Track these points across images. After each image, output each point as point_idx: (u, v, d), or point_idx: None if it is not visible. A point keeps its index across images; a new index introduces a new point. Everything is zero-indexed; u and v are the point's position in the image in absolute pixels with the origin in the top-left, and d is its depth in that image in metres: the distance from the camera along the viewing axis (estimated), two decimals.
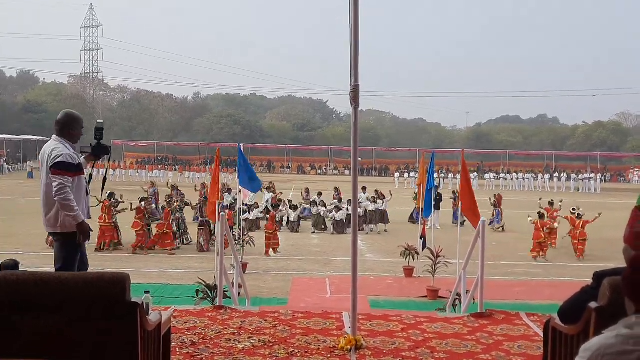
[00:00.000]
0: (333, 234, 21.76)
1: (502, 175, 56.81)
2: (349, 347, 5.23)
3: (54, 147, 5.63)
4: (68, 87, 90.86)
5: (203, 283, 9.98)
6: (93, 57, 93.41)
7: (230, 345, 5.37)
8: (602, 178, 57.77)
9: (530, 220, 18.89)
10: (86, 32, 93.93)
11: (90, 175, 6.11)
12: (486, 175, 54.93)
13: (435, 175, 45.57)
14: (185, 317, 6.24)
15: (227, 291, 8.48)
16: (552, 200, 22.88)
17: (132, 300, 3.19)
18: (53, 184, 5.45)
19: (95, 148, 5.95)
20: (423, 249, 15.03)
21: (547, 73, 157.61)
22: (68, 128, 5.81)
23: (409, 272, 14.48)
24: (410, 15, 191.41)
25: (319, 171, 68.64)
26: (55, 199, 5.45)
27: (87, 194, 5.86)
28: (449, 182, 48.74)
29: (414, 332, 5.90)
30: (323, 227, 22.58)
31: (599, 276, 3.45)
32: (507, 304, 9.81)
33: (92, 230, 5.63)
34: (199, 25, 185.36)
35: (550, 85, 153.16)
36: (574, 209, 20.30)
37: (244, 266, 14.15)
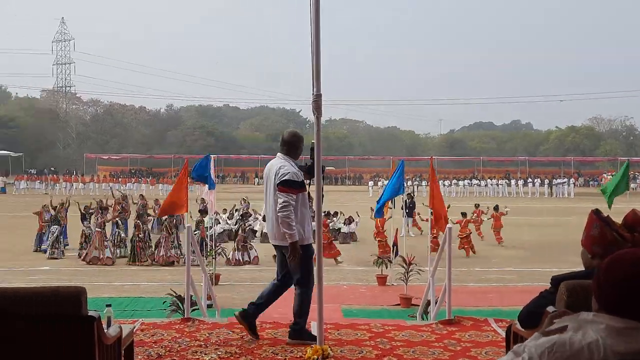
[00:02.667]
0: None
1: (475, 181, 57.14)
2: (315, 356, 5.22)
3: (281, 165, 5.85)
4: (41, 101, 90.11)
5: (174, 294, 9.90)
6: (65, 71, 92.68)
7: (197, 357, 5.34)
8: (579, 182, 58.42)
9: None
10: (58, 46, 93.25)
11: (308, 194, 6.20)
12: (460, 182, 55.25)
13: (409, 182, 45.99)
14: (153, 330, 6.19)
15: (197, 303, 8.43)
16: (497, 205, 23.18)
17: (90, 314, 3.16)
18: (278, 201, 5.69)
19: (310, 167, 6.07)
20: (395, 256, 15.06)
21: (522, 79, 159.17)
22: (293, 147, 6.04)
23: (382, 280, 14.49)
24: (379, 21, 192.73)
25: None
26: (278, 214, 5.68)
27: (310, 208, 6.13)
28: (422, 189, 48.99)
29: (381, 341, 5.90)
30: None
31: (556, 280, 3.49)
32: (478, 310, 9.86)
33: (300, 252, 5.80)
34: (170, 35, 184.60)
35: (524, 91, 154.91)
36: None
37: (217, 277, 14.07)
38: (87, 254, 17.48)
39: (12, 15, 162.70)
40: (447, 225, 7.24)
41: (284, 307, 11.82)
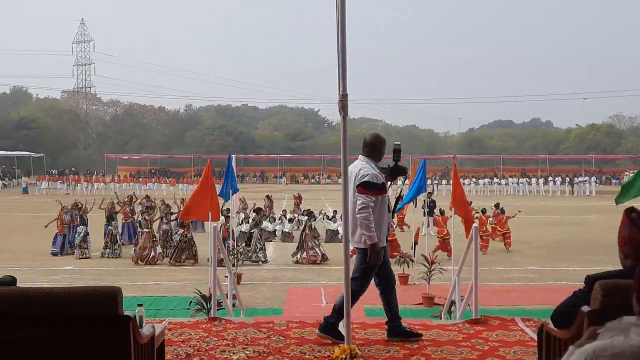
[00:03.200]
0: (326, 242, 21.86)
1: (495, 180, 56.73)
2: (343, 356, 5.21)
3: (361, 167, 5.87)
4: (61, 102, 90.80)
5: (199, 294, 9.97)
6: (85, 72, 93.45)
7: (225, 356, 5.35)
8: (597, 180, 57.80)
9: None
10: (78, 47, 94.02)
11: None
12: (480, 181, 54.89)
13: (429, 182, 45.83)
14: (180, 329, 6.22)
15: (222, 302, 8.46)
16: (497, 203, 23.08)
17: (125, 313, 3.18)
18: (357, 202, 5.70)
19: (393, 169, 6.14)
20: (414, 254, 15.08)
21: (540, 77, 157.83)
22: (375, 149, 6.03)
23: (403, 279, 14.46)
24: (399, 21, 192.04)
25: (312, 180, 68.65)
26: (357, 216, 5.70)
27: (389, 211, 6.13)
28: (442, 187, 48.81)
29: (408, 340, 5.89)
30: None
31: (591, 280, 3.46)
32: (503, 309, 9.81)
33: (379, 253, 5.76)
34: (187, 37, 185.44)
35: (543, 89, 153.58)
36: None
37: (239, 277, 14.13)
38: (136, 255, 17.77)
39: (32, 17, 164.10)
40: (474, 225, 7.21)
41: (306, 307, 11.91)
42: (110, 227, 18.95)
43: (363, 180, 5.73)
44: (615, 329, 2.03)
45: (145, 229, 18.11)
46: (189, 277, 15.78)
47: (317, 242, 18.42)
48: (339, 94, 5.34)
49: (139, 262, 17.54)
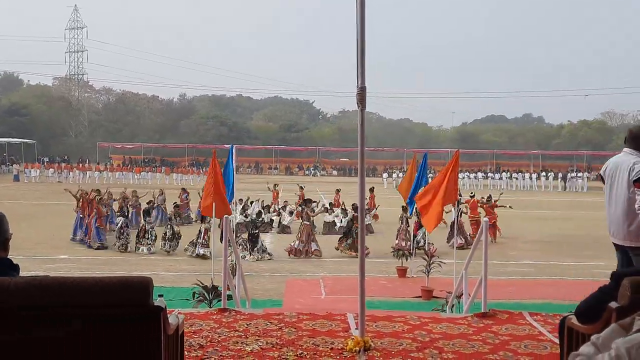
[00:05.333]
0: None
1: (490, 174, 57.03)
2: (357, 348, 5.23)
3: (635, 161, 5.54)
4: (53, 89, 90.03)
5: (201, 285, 9.95)
6: (78, 59, 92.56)
7: (239, 347, 5.35)
8: (592, 176, 58.25)
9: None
10: (71, 34, 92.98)
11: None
12: (471, 175, 55.09)
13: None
14: (190, 320, 6.21)
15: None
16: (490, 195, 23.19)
17: (156, 304, 3.17)
18: (637, 197, 5.39)
19: None
20: (413, 247, 15.15)
21: (532, 73, 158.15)
22: None
23: (402, 272, 14.52)
24: (394, 14, 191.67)
25: (307, 172, 68.65)
26: (638, 212, 5.40)
27: None
28: None
29: (419, 333, 5.90)
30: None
31: (617, 276, 3.47)
32: (501, 303, 9.85)
33: None
34: (183, 25, 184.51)
35: (536, 85, 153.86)
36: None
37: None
38: (292, 248, 17.81)
39: (25, 2, 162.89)
40: (484, 219, 7.23)
41: (305, 298, 11.93)
42: (143, 222, 18.95)
43: None
44: None
45: (306, 222, 18.24)
46: (185, 267, 15.77)
47: (311, 236, 18.38)
48: (357, 86, 5.35)
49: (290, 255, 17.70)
